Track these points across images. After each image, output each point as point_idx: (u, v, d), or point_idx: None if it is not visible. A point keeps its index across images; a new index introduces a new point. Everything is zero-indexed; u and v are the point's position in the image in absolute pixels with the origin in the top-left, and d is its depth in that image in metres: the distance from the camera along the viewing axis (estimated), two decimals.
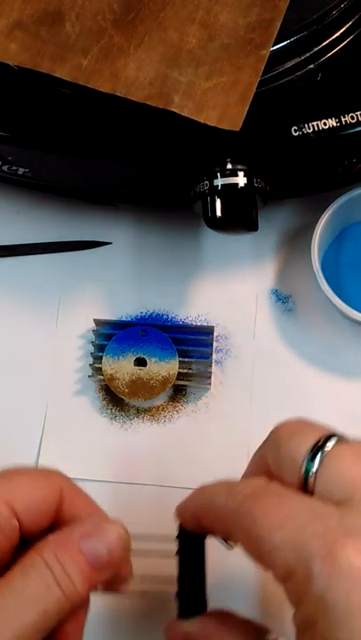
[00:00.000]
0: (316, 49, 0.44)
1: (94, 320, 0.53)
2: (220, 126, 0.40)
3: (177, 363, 0.50)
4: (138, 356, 0.50)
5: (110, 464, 0.50)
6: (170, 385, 0.49)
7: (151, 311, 0.54)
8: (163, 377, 0.49)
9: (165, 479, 0.50)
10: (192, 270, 0.55)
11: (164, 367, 0.49)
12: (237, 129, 0.40)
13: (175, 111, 0.41)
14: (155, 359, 0.50)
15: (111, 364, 0.50)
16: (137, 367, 0.50)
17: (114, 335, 0.52)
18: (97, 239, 0.55)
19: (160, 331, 0.51)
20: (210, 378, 0.51)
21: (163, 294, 0.54)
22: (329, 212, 0.50)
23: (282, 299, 0.54)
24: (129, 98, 0.41)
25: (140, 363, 0.50)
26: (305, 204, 0.55)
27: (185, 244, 0.55)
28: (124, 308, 0.54)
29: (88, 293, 0.54)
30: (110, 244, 0.55)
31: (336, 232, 0.54)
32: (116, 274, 0.55)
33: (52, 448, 0.51)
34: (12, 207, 0.56)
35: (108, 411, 0.52)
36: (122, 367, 0.50)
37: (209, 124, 0.40)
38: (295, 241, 0.55)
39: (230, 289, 0.54)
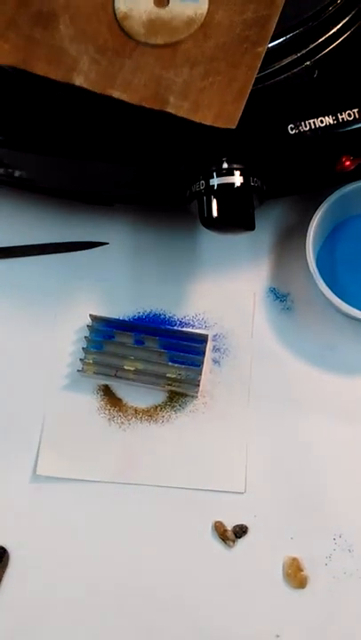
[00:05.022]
0: (312, 45, 0.44)
1: (90, 315, 0.52)
2: (215, 125, 0.40)
3: (206, 2, 0.41)
4: None
5: (109, 465, 0.50)
6: (196, 26, 0.41)
7: (149, 311, 0.54)
8: (188, 17, 0.41)
9: (164, 479, 0.50)
10: (189, 270, 0.54)
11: (190, 6, 0.41)
12: (234, 127, 0.40)
13: (171, 112, 0.40)
14: None
15: (126, 1, 0.42)
16: (156, 7, 0.42)
17: (109, 333, 0.52)
18: (94, 240, 0.55)
19: None
20: (198, 386, 0.51)
21: (160, 294, 0.54)
22: (321, 210, 0.50)
23: (280, 297, 0.54)
24: (124, 100, 0.40)
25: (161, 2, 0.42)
26: (301, 201, 0.55)
27: (182, 244, 0.55)
28: (122, 308, 0.54)
29: (85, 294, 0.54)
30: (107, 244, 0.55)
31: (330, 228, 0.53)
32: (114, 274, 0.55)
33: (51, 448, 0.51)
34: (8, 208, 0.56)
35: (106, 411, 0.52)
36: (138, 5, 0.41)
37: (205, 123, 0.40)
38: (292, 238, 0.55)
39: (228, 288, 0.54)
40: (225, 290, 0.54)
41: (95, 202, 0.52)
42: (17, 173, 0.47)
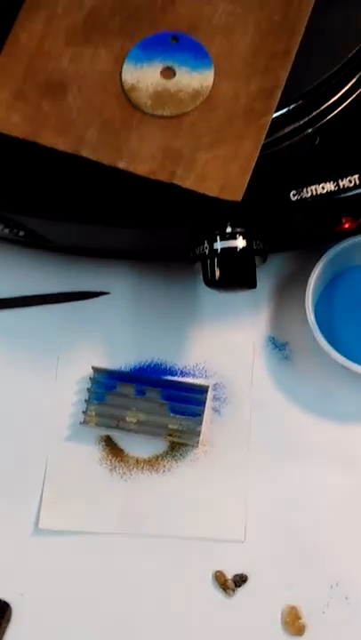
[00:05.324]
0: (314, 113, 0.44)
1: (92, 367, 0.53)
2: (221, 197, 0.41)
3: (212, 74, 0.43)
4: (166, 66, 0.43)
5: (110, 516, 0.51)
6: (202, 99, 0.42)
7: (150, 361, 0.54)
8: (194, 89, 0.43)
9: (165, 529, 0.51)
10: (189, 319, 0.55)
11: (196, 78, 0.42)
12: (239, 199, 0.41)
13: (177, 184, 0.41)
14: (186, 69, 0.42)
15: (133, 73, 0.43)
16: (163, 78, 0.43)
17: (110, 384, 0.53)
18: (95, 289, 0.56)
19: (193, 40, 0.43)
20: (198, 436, 0.52)
21: (161, 343, 0.55)
22: (320, 265, 0.50)
23: (279, 346, 0.55)
24: (131, 172, 0.41)
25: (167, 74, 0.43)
26: (300, 251, 0.56)
27: (182, 293, 0.56)
28: (123, 358, 0.54)
29: (87, 343, 0.55)
30: (108, 293, 0.56)
31: (328, 278, 0.54)
32: (115, 323, 0.55)
33: (53, 501, 0.51)
34: (9, 259, 0.56)
35: (108, 462, 0.52)
36: (145, 77, 0.43)
37: (210, 195, 0.41)
38: (290, 287, 0.56)
39: (227, 337, 0.55)
40: (225, 339, 0.55)
41: (99, 256, 0.53)
42: (21, 233, 0.47)
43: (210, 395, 0.53)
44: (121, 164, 0.41)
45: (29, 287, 0.56)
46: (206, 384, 0.53)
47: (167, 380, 0.53)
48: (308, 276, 0.51)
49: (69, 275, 0.56)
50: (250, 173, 0.41)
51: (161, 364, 0.54)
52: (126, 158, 0.41)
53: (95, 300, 0.56)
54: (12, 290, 0.56)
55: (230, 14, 0.43)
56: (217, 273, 0.45)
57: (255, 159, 0.41)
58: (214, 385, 0.54)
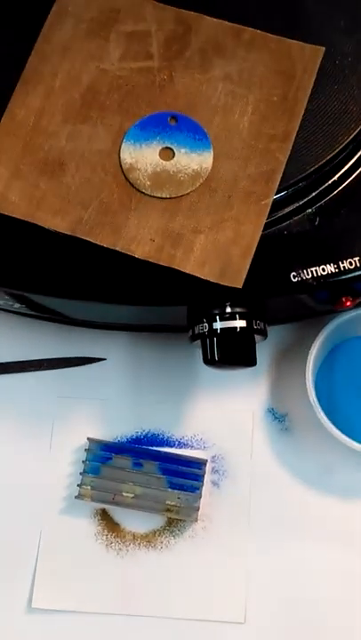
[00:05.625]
0: (313, 194, 0.44)
1: (88, 439, 0.52)
2: (221, 283, 0.40)
3: (211, 156, 0.42)
4: (165, 146, 0.43)
5: (106, 595, 0.50)
6: (201, 180, 0.42)
7: (147, 431, 0.53)
8: (193, 170, 0.42)
9: (162, 610, 0.49)
10: (187, 389, 0.54)
11: (195, 159, 0.42)
12: (240, 286, 0.40)
13: (177, 268, 0.40)
14: (185, 150, 0.42)
15: (132, 152, 0.42)
16: (162, 159, 0.42)
17: (106, 456, 0.51)
18: (91, 355, 0.55)
19: (192, 120, 0.43)
20: (197, 512, 0.51)
21: (158, 413, 0.54)
22: (319, 340, 0.50)
23: (278, 417, 0.54)
24: (129, 254, 0.41)
25: (166, 155, 0.43)
26: (299, 322, 0.55)
27: (180, 362, 0.55)
28: (120, 426, 0.53)
29: (83, 411, 0.54)
30: (104, 360, 0.55)
31: (328, 349, 0.54)
32: (111, 391, 0.54)
33: (47, 579, 0.50)
34: (5, 324, 0.56)
35: (104, 537, 0.51)
36: (144, 157, 0.42)
37: (210, 280, 0.40)
38: (290, 357, 0.55)
39: (226, 408, 0.54)
40: (223, 409, 0.54)
41: (97, 327, 0.52)
42: (16, 305, 0.47)
43: (208, 467, 0.52)
44: (119, 247, 0.41)
45: (25, 352, 0.55)
46: (205, 456, 0.52)
47: (165, 453, 0.52)
48: (308, 345, 0.50)
49: (65, 340, 0.55)
50: (250, 259, 0.41)
51: (158, 435, 0.53)
52: (125, 240, 0.41)
53: (91, 366, 0.55)
54: (7, 355, 0.55)
55: (229, 94, 0.43)
56: (216, 353, 0.44)
57: (256, 244, 0.41)
58: (213, 457, 0.53)
